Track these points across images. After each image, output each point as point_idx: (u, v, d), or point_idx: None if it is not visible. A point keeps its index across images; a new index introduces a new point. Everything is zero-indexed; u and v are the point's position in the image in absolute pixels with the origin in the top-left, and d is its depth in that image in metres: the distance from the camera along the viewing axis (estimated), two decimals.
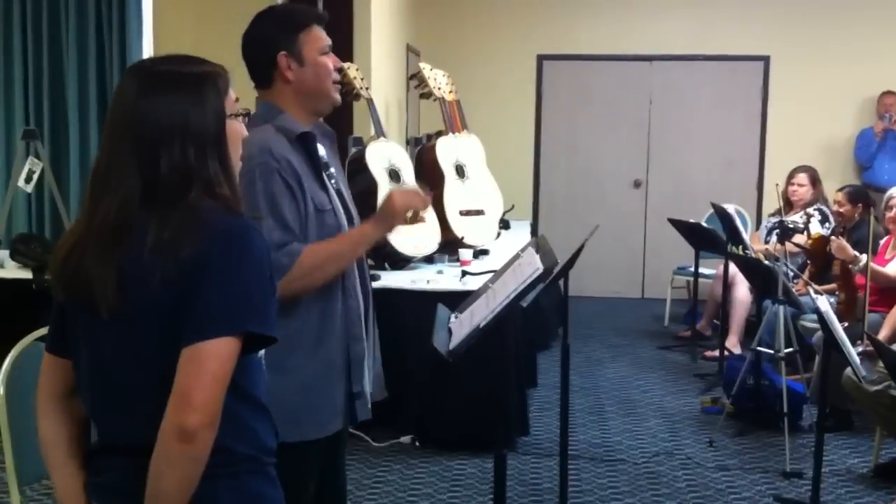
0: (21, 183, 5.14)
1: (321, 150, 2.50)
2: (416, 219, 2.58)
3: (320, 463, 2.43)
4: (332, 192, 2.44)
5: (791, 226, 5.21)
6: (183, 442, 1.52)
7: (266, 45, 2.40)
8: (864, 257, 4.95)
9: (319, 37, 2.43)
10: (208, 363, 1.54)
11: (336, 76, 2.46)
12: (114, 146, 1.65)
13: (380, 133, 5.30)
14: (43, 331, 2.74)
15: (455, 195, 5.67)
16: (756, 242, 6.57)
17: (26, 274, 4.72)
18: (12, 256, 4.90)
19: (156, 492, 1.56)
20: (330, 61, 2.44)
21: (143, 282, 1.58)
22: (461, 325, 2.78)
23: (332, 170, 2.54)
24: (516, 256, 2.98)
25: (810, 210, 5.92)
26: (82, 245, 1.64)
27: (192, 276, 1.57)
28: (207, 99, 1.65)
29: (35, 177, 5.16)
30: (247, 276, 1.60)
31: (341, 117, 5.90)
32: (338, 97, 2.49)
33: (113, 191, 1.63)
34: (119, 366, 1.64)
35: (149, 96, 1.63)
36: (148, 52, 5.99)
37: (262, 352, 1.76)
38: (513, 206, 6.87)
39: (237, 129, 1.74)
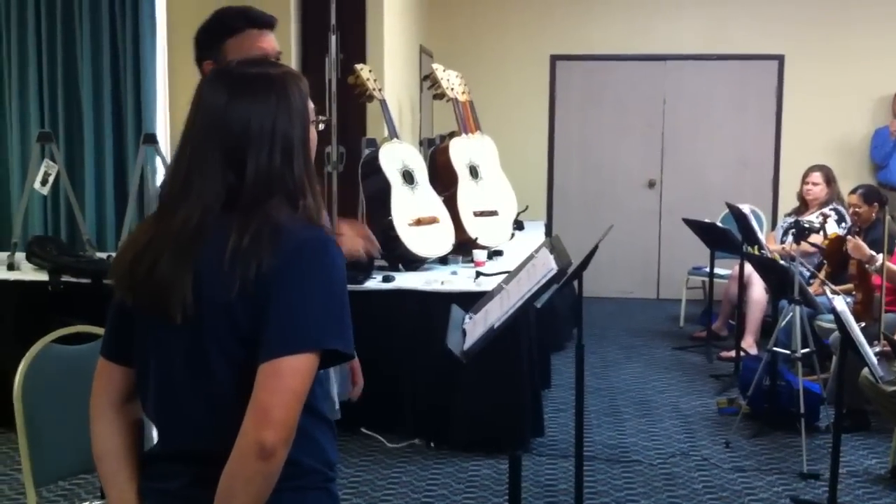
0: (37, 185, 5.16)
1: None
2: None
3: None
4: None
5: (807, 225, 5.18)
6: (262, 459, 1.50)
7: (198, 50, 2.38)
8: (880, 257, 4.92)
9: (247, 44, 2.35)
10: (289, 379, 1.52)
11: None
12: (199, 151, 1.62)
13: (393, 134, 5.31)
14: (58, 332, 2.76)
15: (469, 196, 5.66)
16: (772, 242, 6.55)
17: (42, 276, 4.74)
18: (28, 258, 4.93)
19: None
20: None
21: (219, 290, 1.56)
22: (475, 326, 2.77)
23: None
24: (530, 257, 2.97)
25: (826, 210, 5.89)
26: (155, 249, 1.61)
27: (272, 289, 1.54)
28: (294, 102, 1.64)
29: (50, 179, 5.18)
30: (328, 291, 1.57)
31: (355, 118, 5.92)
32: None
33: (196, 196, 1.60)
34: (189, 373, 1.62)
35: (238, 100, 1.61)
36: (162, 54, 6.01)
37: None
38: (527, 207, 6.86)
39: (314, 136, 1.71)
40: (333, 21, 5.38)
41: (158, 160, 5.49)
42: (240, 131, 1.60)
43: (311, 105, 1.69)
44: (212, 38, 2.40)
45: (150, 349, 1.67)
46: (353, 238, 2.42)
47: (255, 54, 2.35)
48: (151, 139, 5.31)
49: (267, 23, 2.44)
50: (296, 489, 1.63)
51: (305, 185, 1.63)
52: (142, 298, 1.63)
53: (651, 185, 8.74)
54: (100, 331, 2.77)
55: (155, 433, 1.73)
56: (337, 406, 2.51)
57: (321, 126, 1.74)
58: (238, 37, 2.38)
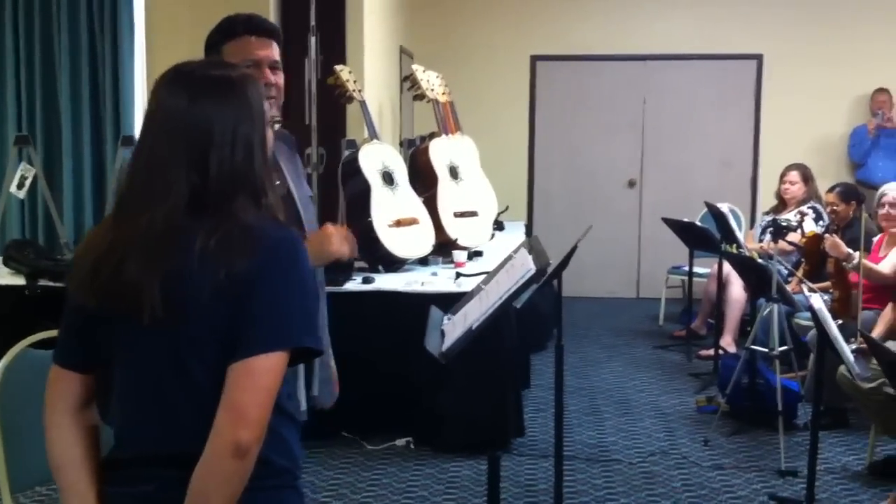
0: (13, 189, 5.13)
1: (275, 155, 2.51)
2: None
3: None
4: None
5: (785, 224, 5.21)
6: (237, 458, 1.52)
7: (205, 50, 2.44)
8: (857, 255, 4.95)
9: (243, 50, 2.40)
10: (263, 377, 1.54)
11: (268, 93, 2.39)
12: (159, 153, 1.62)
13: (373, 135, 5.30)
14: (36, 337, 2.74)
15: (449, 196, 5.67)
16: (750, 241, 6.58)
17: (19, 280, 4.72)
18: (5, 263, 4.90)
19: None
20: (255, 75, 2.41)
21: (193, 291, 1.56)
22: (454, 327, 2.78)
23: (285, 173, 2.53)
24: (509, 258, 2.97)
25: (804, 208, 5.93)
26: (120, 252, 1.60)
27: (247, 289, 1.56)
28: (253, 104, 1.66)
29: (27, 183, 5.15)
30: (301, 290, 1.60)
31: (335, 119, 5.91)
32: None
33: (159, 198, 1.60)
34: (162, 375, 1.62)
35: (200, 102, 1.62)
36: (141, 57, 5.99)
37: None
38: (507, 207, 6.87)
39: (270, 137, 1.74)
40: (313, 22, 5.38)
41: None
42: (202, 132, 1.61)
43: (266, 106, 1.72)
44: (215, 40, 2.47)
45: (115, 353, 1.66)
46: (340, 240, 2.42)
47: (249, 61, 2.39)
48: (129, 141, 5.28)
49: (266, 31, 2.48)
50: (270, 488, 1.65)
51: (266, 184, 1.66)
52: (108, 302, 1.61)
53: (631, 184, 8.77)
54: None
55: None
56: (303, 407, 2.50)
57: (276, 126, 1.77)
58: (236, 41, 2.43)
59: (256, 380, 1.53)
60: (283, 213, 1.68)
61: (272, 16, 5.96)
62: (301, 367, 2.50)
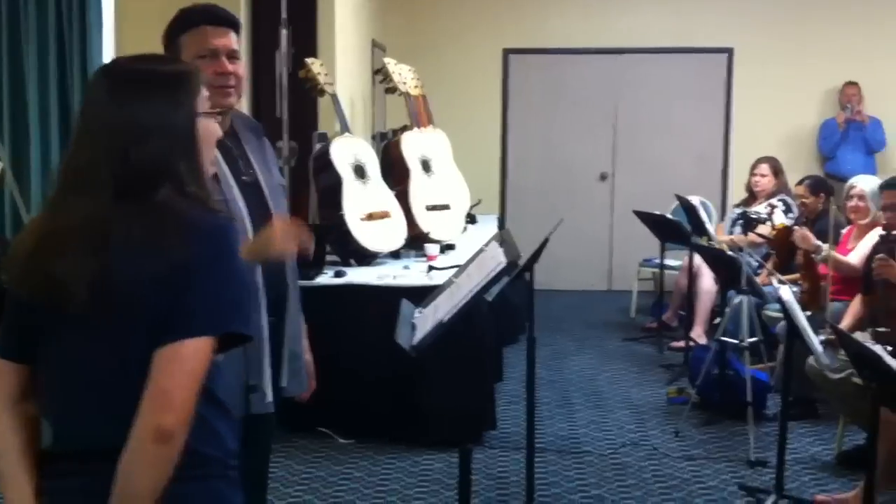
0: None
1: (242, 144, 2.50)
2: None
3: None
4: (231, 183, 2.40)
5: (754, 216, 5.25)
6: (160, 442, 1.52)
7: (164, 45, 2.44)
8: (826, 247, 5.00)
9: (200, 40, 2.40)
10: (189, 363, 1.55)
11: (220, 81, 2.38)
12: (85, 145, 1.66)
13: (345, 128, 5.29)
14: None
15: (421, 190, 5.67)
16: (721, 233, 6.62)
17: None
18: None
19: (126, 493, 1.54)
20: (207, 67, 2.36)
21: (122, 281, 1.58)
22: (425, 320, 2.78)
23: (253, 162, 2.52)
24: (480, 251, 2.98)
25: (774, 201, 5.97)
26: (53, 243, 1.62)
27: (180, 276, 1.57)
28: (178, 98, 1.67)
29: None
30: (229, 276, 1.62)
31: (306, 113, 5.88)
32: (222, 102, 2.39)
33: (86, 189, 1.63)
34: (95, 366, 1.62)
35: (121, 95, 1.65)
36: (110, 52, 5.93)
37: (221, 355, 1.75)
38: (480, 201, 6.88)
39: (210, 128, 1.75)
40: (284, 15, 5.35)
41: None
42: (123, 126, 1.63)
43: (203, 96, 1.73)
44: (172, 33, 2.46)
45: (47, 346, 1.67)
46: (284, 240, 2.39)
47: (206, 50, 2.39)
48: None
49: (224, 20, 2.47)
50: (200, 478, 1.65)
51: (193, 175, 1.66)
52: (38, 294, 1.63)
53: (604, 177, 8.80)
54: None
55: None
56: (269, 399, 2.49)
57: (218, 118, 1.76)
58: (192, 32, 2.42)
59: (182, 364, 1.55)
60: (214, 203, 1.70)
61: (243, 9, 5.92)
62: (267, 359, 2.48)
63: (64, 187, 1.67)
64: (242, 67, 2.49)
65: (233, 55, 2.45)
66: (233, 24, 2.49)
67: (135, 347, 1.58)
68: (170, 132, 1.64)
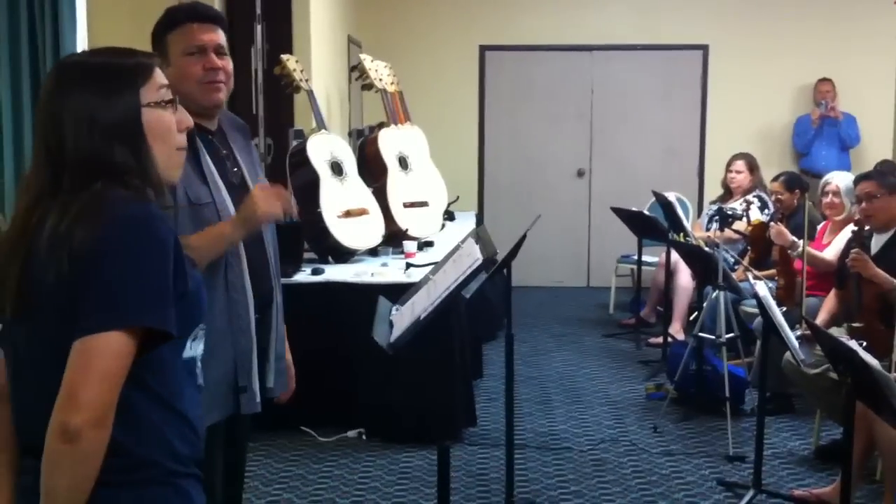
0: None
1: (229, 144, 2.49)
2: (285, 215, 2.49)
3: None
4: (220, 185, 2.41)
5: (730, 213, 5.27)
6: (66, 442, 1.45)
7: (151, 44, 2.44)
8: (801, 242, 5.02)
9: (186, 37, 2.41)
10: (95, 359, 1.47)
11: (209, 77, 2.41)
12: (35, 142, 1.65)
13: (321, 125, 5.26)
14: None
15: (399, 187, 5.65)
16: (697, 230, 6.65)
17: None
18: None
19: (47, 491, 1.50)
20: (196, 63, 2.40)
21: (42, 275, 1.54)
22: (402, 318, 2.77)
23: (240, 162, 2.52)
24: (456, 248, 2.97)
25: (749, 197, 6.00)
26: (0, 247, 1.62)
27: (85, 266, 1.51)
28: (116, 90, 1.63)
29: None
30: (139, 266, 1.52)
31: (282, 109, 5.85)
32: (213, 98, 2.44)
33: (27, 187, 1.63)
34: (31, 365, 1.61)
35: (61, 89, 1.62)
36: (82, 46, 5.87)
37: (197, 359, 1.72)
38: (457, 198, 6.87)
39: (160, 118, 1.67)
40: (259, 11, 5.32)
41: None
42: (57, 119, 1.61)
43: (157, 86, 1.68)
44: (158, 32, 2.46)
45: (7, 344, 1.66)
46: (266, 201, 2.38)
47: (193, 47, 2.41)
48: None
49: (209, 17, 2.47)
50: (137, 483, 1.58)
51: (132, 166, 1.61)
52: None
53: (580, 174, 8.81)
54: None
55: None
56: (258, 399, 2.49)
57: (176, 108, 1.71)
58: (178, 30, 2.43)
59: (88, 361, 1.47)
60: (160, 197, 1.62)
61: (217, 4, 5.88)
62: (255, 359, 2.48)
63: (19, 188, 1.66)
64: (230, 63, 2.49)
65: (220, 50, 2.46)
66: (219, 21, 2.50)
67: (58, 345, 1.52)
68: (103, 123, 1.59)
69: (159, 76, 1.70)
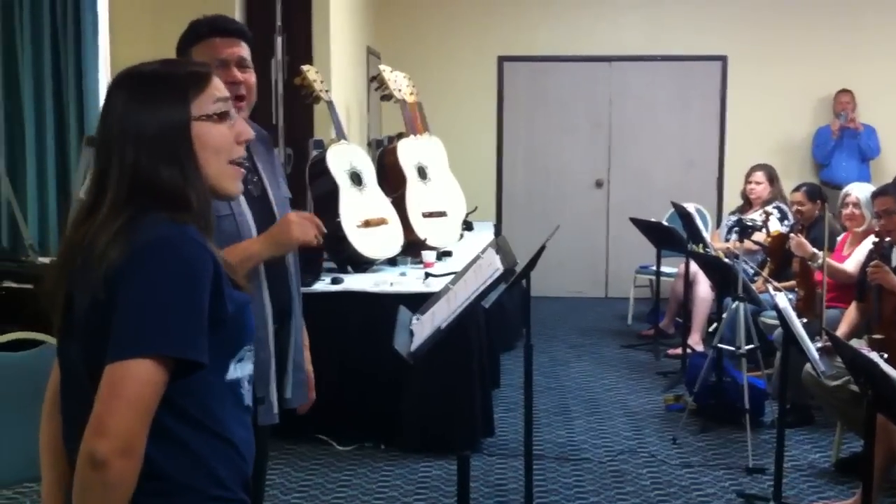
0: None
1: (251, 155, 2.46)
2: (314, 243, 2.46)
3: None
4: (240, 198, 2.33)
5: (750, 223, 5.26)
6: (94, 469, 1.42)
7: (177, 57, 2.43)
8: (822, 254, 5.00)
9: (208, 51, 2.40)
10: (123, 387, 1.43)
11: (231, 91, 2.38)
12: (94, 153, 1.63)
13: (341, 136, 5.29)
14: (4, 338, 2.72)
15: (417, 197, 5.67)
16: (716, 240, 6.63)
17: None
18: None
19: None
20: (221, 75, 2.40)
21: (80, 296, 1.53)
22: (423, 327, 2.77)
23: (261, 173, 2.50)
24: (477, 258, 2.98)
25: (769, 208, 5.98)
26: (50, 266, 1.63)
27: (115, 290, 1.47)
28: (164, 101, 1.57)
29: None
30: (168, 293, 1.47)
31: (302, 120, 5.89)
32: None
33: (83, 201, 1.60)
34: (76, 382, 1.59)
35: (113, 100, 1.59)
36: (104, 56, 5.93)
37: (243, 380, 1.65)
38: (476, 208, 6.88)
39: (212, 132, 1.61)
40: (279, 22, 5.36)
41: None
42: (106, 132, 1.58)
43: (211, 98, 1.62)
44: (183, 46, 2.46)
45: (60, 356, 1.66)
46: (301, 228, 2.39)
47: (216, 61, 2.38)
48: (93, 142, 5.20)
49: (232, 31, 2.47)
50: None
51: (180, 183, 1.56)
52: (46, 305, 1.62)
53: (599, 184, 8.81)
54: (42, 337, 2.74)
55: None
56: (275, 410, 2.48)
57: (231, 122, 1.66)
58: (202, 44, 2.43)
59: (115, 388, 1.43)
60: (200, 213, 1.57)
61: (237, 16, 5.92)
62: (272, 370, 2.47)
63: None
64: (253, 76, 2.48)
65: (242, 63, 2.45)
66: (242, 35, 2.49)
67: (95, 365, 1.49)
68: (148, 137, 1.54)
69: (216, 87, 1.64)
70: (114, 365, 1.44)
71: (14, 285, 4.62)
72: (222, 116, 1.64)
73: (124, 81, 1.61)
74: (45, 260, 5.07)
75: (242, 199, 2.38)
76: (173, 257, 1.50)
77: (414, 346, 2.67)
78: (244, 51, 2.46)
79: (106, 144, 1.57)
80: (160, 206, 1.54)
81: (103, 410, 1.43)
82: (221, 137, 1.64)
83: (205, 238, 1.56)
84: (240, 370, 1.64)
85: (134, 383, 1.44)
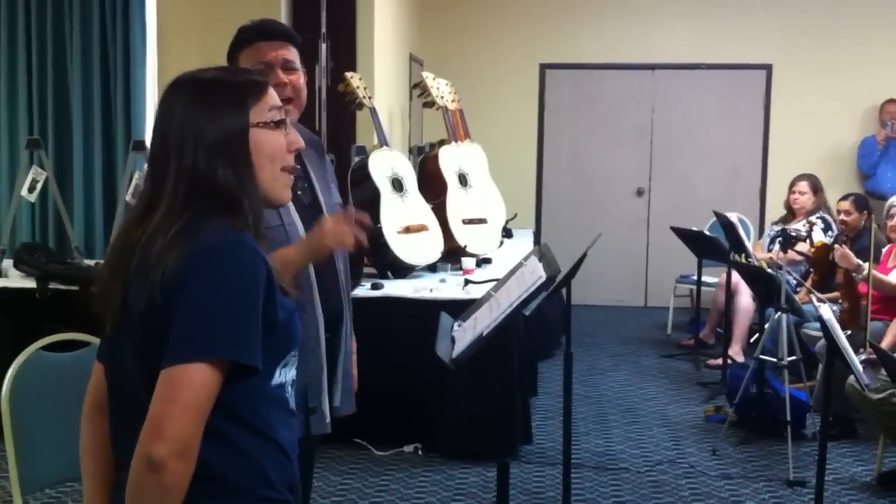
0: (24, 192, 5.15)
1: (303, 161, 2.44)
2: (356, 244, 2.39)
3: None
4: (289, 206, 2.32)
5: (793, 234, 5.21)
6: (151, 472, 1.44)
7: (227, 62, 2.45)
8: (867, 265, 4.95)
9: (254, 56, 2.42)
10: (180, 390, 1.46)
11: (283, 93, 2.35)
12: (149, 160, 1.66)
13: (383, 142, 5.32)
14: (46, 340, 2.76)
15: (458, 204, 5.68)
16: (759, 251, 6.58)
17: (30, 283, 4.74)
18: (16, 266, 4.92)
19: None
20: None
21: (135, 299, 1.55)
22: (464, 334, 2.78)
23: (313, 180, 2.48)
24: (519, 265, 2.98)
25: (813, 218, 5.93)
26: (103, 265, 1.66)
27: (173, 295, 1.49)
28: (224, 107, 1.60)
29: (38, 186, 5.17)
30: (225, 298, 1.50)
31: (345, 126, 5.93)
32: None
33: (139, 201, 1.63)
34: (129, 383, 1.61)
35: (171, 105, 1.61)
36: (152, 61, 6.01)
37: (288, 384, 1.68)
38: (515, 215, 6.88)
39: (268, 139, 1.64)
40: (324, 29, 5.41)
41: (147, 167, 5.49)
42: (164, 136, 1.60)
43: (267, 106, 1.65)
44: (231, 52, 2.48)
45: (110, 358, 1.68)
46: (335, 236, 2.30)
47: (261, 64, 2.39)
48: (140, 146, 5.30)
49: (278, 34, 2.48)
50: None
51: (235, 188, 1.59)
52: (99, 308, 1.64)
53: (640, 193, 8.77)
54: (87, 338, 2.78)
55: None
56: (327, 420, 2.49)
57: (287, 130, 1.67)
58: (248, 49, 2.44)
59: (173, 392, 1.46)
60: (254, 220, 1.59)
61: (283, 22, 5.99)
62: (325, 380, 2.47)
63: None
64: (301, 79, 2.47)
65: (288, 66, 2.44)
66: (288, 37, 2.49)
67: (151, 367, 1.52)
68: (208, 142, 1.57)
69: (272, 96, 1.67)
70: (171, 368, 1.47)
71: (61, 287, 4.71)
72: (278, 124, 1.67)
73: (183, 87, 1.63)
74: (91, 262, 5.16)
75: (292, 207, 2.35)
76: (231, 264, 1.52)
77: (456, 353, 2.68)
78: (290, 53, 2.46)
79: (163, 148, 1.60)
80: (216, 211, 1.57)
81: (160, 413, 1.46)
82: (276, 144, 1.66)
83: (258, 244, 1.58)
84: (285, 375, 1.67)
85: (191, 387, 1.46)
